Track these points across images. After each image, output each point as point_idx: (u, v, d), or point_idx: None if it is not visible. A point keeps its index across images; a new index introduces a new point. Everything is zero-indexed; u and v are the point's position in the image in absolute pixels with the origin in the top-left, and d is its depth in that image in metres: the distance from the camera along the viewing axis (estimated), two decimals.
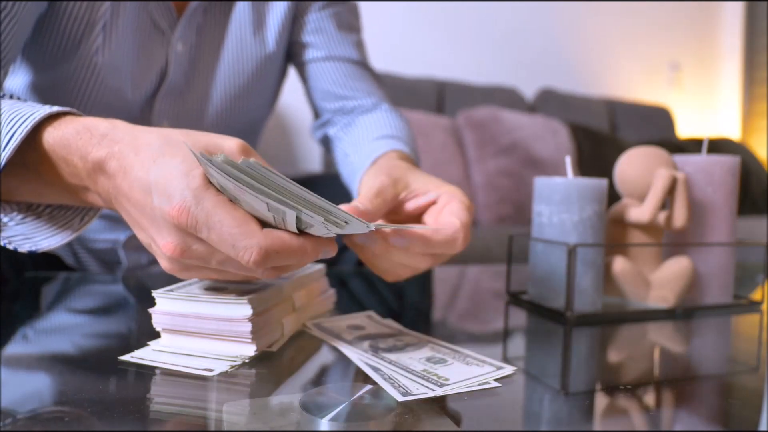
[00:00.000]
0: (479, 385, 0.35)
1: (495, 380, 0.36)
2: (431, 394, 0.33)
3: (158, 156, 0.36)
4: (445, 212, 0.47)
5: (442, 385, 0.34)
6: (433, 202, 0.49)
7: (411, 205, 0.50)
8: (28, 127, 0.41)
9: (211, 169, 0.33)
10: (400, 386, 0.34)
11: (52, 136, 0.42)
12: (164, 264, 0.38)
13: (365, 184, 0.50)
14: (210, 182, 0.35)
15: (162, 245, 0.36)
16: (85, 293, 0.64)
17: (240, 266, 0.36)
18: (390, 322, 0.49)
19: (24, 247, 0.47)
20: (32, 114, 0.42)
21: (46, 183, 0.44)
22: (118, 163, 0.38)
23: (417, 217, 0.50)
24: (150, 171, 0.36)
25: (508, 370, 0.38)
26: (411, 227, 0.40)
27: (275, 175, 0.34)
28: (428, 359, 0.39)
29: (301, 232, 0.35)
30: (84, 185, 0.42)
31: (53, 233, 0.48)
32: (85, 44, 0.64)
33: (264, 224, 0.35)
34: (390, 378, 0.35)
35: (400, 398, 0.32)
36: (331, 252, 0.37)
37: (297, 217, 0.34)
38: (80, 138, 0.40)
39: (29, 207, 0.49)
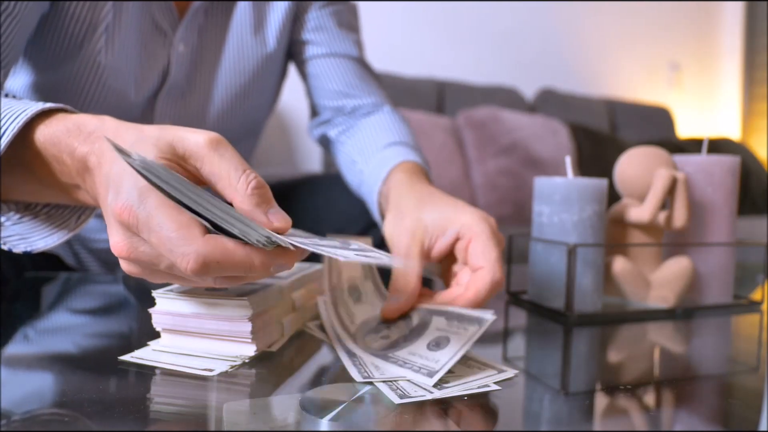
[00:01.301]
0: (478, 387, 0.35)
1: (495, 383, 0.36)
2: (429, 397, 0.33)
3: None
4: (472, 257, 0.46)
5: (441, 388, 0.34)
6: (457, 239, 0.48)
7: (437, 252, 0.49)
8: (20, 124, 0.41)
9: (137, 167, 0.31)
10: (397, 389, 0.34)
11: (43, 133, 0.41)
12: (122, 265, 0.37)
13: (393, 245, 0.50)
14: None
15: (112, 244, 0.35)
16: (86, 293, 0.64)
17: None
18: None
19: (19, 248, 0.47)
20: (24, 111, 0.41)
21: (41, 182, 0.44)
22: (97, 160, 0.38)
23: (448, 256, 0.50)
24: (113, 167, 0.35)
25: (510, 373, 0.37)
26: (445, 307, 0.41)
27: (191, 185, 0.32)
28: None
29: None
30: (75, 183, 0.42)
31: (50, 233, 0.48)
32: (88, 45, 0.64)
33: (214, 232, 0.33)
34: (388, 379, 0.35)
35: (398, 401, 0.32)
36: (287, 266, 0.35)
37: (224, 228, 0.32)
38: (69, 135, 0.40)
39: (27, 207, 0.49)
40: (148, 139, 0.36)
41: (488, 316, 0.38)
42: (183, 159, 0.36)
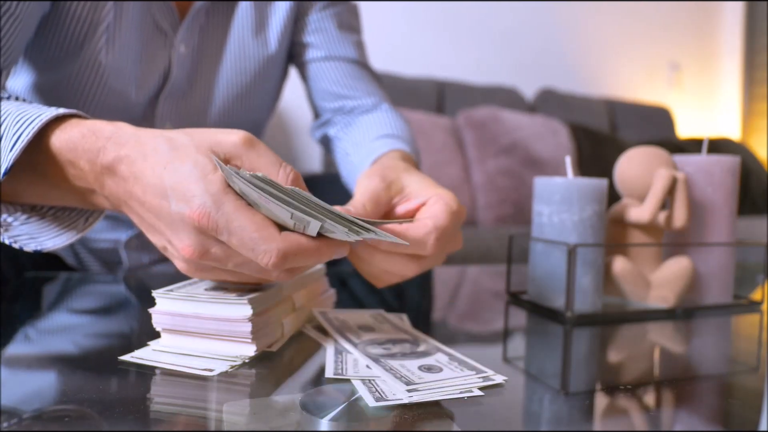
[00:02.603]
0: (460, 393, 0.34)
1: (481, 389, 0.35)
2: (405, 401, 0.33)
3: (168, 161, 0.37)
4: (425, 213, 0.46)
5: (418, 391, 0.34)
6: (424, 205, 0.48)
7: (402, 209, 0.49)
8: (35, 128, 0.42)
9: (236, 179, 0.34)
10: (375, 390, 0.34)
11: (58, 139, 0.42)
12: (180, 265, 0.39)
13: (360, 185, 0.50)
14: (228, 186, 0.36)
15: (180, 248, 0.37)
16: (86, 293, 0.64)
17: (256, 268, 0.37)
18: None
19: (29, 247, 0.47)
20: (39, 116, 0.42)
21: (53, 185, 0.45)
22: (128, 169, 0.39)
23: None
24: (163, 177, 0.37)
25: (498, 379, 0.36)
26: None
27: (299, 189, 0.36)
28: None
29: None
30: (91, 188, 0.43)
31: (58, 233, 0.48)
32: (89, 45, 0.64)
33: (280, 227, 0.37)
34: (369, 381, 0.35)
35: (373, 403, 0.32)
36: (344, 252, 0.39)
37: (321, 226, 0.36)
38: (86, 141, 0.41)
39: (33, 207, 0.49)
40: (187, 149, 0.37)
41: (498, 378, 0.37)
42: (226, 162, 0.38)
